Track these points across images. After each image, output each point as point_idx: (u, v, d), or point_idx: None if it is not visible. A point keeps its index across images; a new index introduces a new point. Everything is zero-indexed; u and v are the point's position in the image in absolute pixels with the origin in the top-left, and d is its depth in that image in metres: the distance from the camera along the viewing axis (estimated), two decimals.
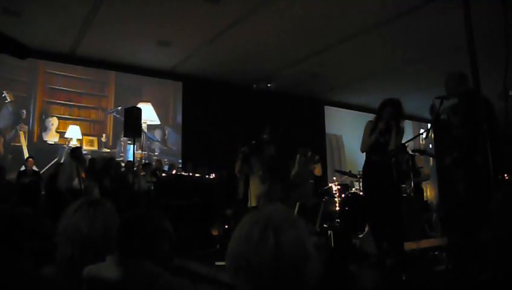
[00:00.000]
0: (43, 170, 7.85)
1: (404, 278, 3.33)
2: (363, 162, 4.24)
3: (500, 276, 1.11)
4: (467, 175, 3.29)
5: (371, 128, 4.08)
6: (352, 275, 3.60)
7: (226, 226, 5.98)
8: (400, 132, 4.01)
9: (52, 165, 8.10)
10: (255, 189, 5.76)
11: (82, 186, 6.15)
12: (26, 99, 8.45)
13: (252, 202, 5.79)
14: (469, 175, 3.25)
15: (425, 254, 4.56)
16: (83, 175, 6.32)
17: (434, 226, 5.99)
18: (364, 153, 4.19)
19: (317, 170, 6.52)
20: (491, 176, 2.15)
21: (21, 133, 8.22)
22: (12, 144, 8.14)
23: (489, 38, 4.77)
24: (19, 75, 8.35)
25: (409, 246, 4.41)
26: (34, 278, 1.30)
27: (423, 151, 6.20)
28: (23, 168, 7.35)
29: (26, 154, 7.92)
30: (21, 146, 8.17)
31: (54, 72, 8.75)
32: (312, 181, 6.52)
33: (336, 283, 3.30)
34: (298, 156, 6.49)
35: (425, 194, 6.94)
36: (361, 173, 6.81)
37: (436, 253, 4.43)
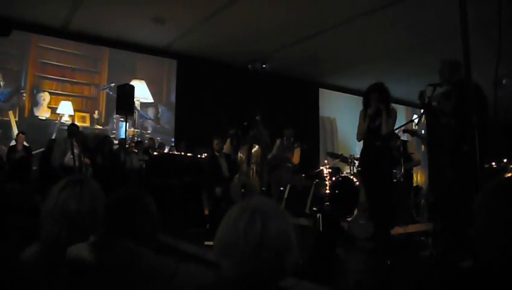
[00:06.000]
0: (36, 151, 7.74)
1: (389, 262, 3.39)
2: (356, 147, 4.29)
3: (481, 265, 1.14)
4: (453, 163, 3.33)
5: (362, 117, 4.09)
6: (338, 258, 3.65)
7: (216, 206, 6.01)
8: (392, 115, 3.97)
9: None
10: (242, 171, 5.76)
11: (76, 163, 6.13)
12: (17, 73, 8.31)
13: None
14: (455, 163, 3.29)
15: (411, 238, 4.63)
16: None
17: (421, 211, 6.06)
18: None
19: (295, 158, 6.31)
20: (477, 166, 2.16)
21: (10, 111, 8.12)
22: (0, 118, 8.04)
23: (488, 25, 4.74)
24: (10, 48, 8.17)
25: (396, 230, 4.47)
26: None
27: (414, 132, 6.14)
28: (13, 143, 7.28)
29: (15, 131, 7.82)
30: (9, 120, 8.08)
31: (47, 46, 8.59)
32: (290, 165, 6.31)
33: (323, 266, 3.36)
34: (278, 140, 6.40)
35: (415, 179, 6.99)
36: (352, 156, 6.87)
37: (422, 238, 4.50)
